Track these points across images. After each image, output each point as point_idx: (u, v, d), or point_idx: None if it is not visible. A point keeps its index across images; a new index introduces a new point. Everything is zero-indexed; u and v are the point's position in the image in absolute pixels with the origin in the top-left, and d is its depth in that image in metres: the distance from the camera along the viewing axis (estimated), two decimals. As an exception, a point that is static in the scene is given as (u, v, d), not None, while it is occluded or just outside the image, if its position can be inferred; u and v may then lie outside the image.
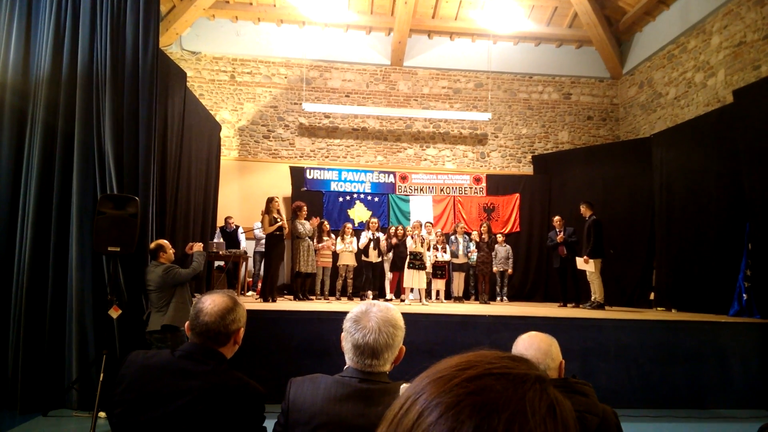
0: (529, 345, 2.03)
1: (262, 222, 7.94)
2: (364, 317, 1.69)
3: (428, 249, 9.11)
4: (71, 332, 4.92)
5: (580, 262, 8.34)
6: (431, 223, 10.43)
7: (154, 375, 1.75)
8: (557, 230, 8.99)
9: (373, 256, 9.43)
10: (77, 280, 4.95)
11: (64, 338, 4.96)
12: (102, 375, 4.46)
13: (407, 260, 8.50)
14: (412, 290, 8.69)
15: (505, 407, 0.49)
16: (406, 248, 8.68)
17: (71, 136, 5.16)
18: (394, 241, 9.01)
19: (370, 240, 9.41)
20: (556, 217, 9.08)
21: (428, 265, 8.93)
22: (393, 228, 9.42)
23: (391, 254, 9.18)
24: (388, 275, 9.57)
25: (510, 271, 10.30)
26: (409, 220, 10.91)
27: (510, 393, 0.51)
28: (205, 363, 1.77)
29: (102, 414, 4.36)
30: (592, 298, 8.36)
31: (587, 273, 8.32)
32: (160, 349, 2.65)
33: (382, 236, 9.46)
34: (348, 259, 9.24)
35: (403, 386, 1.43)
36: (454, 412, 0.49)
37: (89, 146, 5.16)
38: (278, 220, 7.84)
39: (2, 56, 5.22)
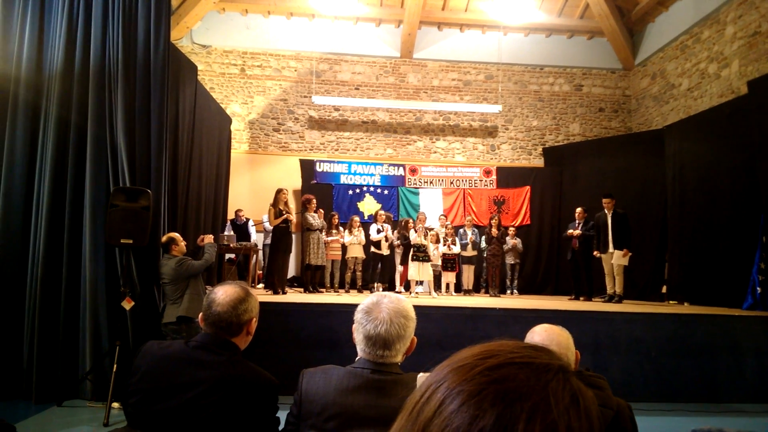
0: (548, 339, 1.99)
1: (268, 214, 7.91)
2: (376, 308, 1.69)
3: (437, 242, 9.09)
4: (85, 324, 4.99)
5: (618, 256, 8.01)
6: (445, 216, 10.43)
7: (169, 365, 1.76)
8: (577, 222, 8.70)
9: (384, 249, 9.42)
10: (91, 272, 5.00)
11: (77, 330, 5.03)
12: (115, 366, 4.53)
13: (411, 252, 8.46)
14: (420, 282, 8.65)
15: (528, 396, 0.49)
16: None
17: (84, 130, 5.21)
18: (414, 237, 8.81)
19: (379, 231, 9.39)
20: (579, 209, 8.76)
21: (432, 256, 8.81)
22: (403, 221, 9.39)
23: (401, 247, 9.16)
24: (399, 268, 9.57)
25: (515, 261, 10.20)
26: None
27: (533, 382, 0.50)
28: (219, 353, 1.78)
29: (115, 404, 4.43)
30: (612, 291, 8.19)
31: (614, 266, 8.09)
32: (174, 340, 2.67)
33: (390, 228, 9.42)
34: (356, 252, 9.24)
35: (420, 376, 1.43)
36: (477, 400, 0.49)
37: (102, 140, 5.20)
38: (284, 212, 7.75)
39: (16, 51, 5.26)
